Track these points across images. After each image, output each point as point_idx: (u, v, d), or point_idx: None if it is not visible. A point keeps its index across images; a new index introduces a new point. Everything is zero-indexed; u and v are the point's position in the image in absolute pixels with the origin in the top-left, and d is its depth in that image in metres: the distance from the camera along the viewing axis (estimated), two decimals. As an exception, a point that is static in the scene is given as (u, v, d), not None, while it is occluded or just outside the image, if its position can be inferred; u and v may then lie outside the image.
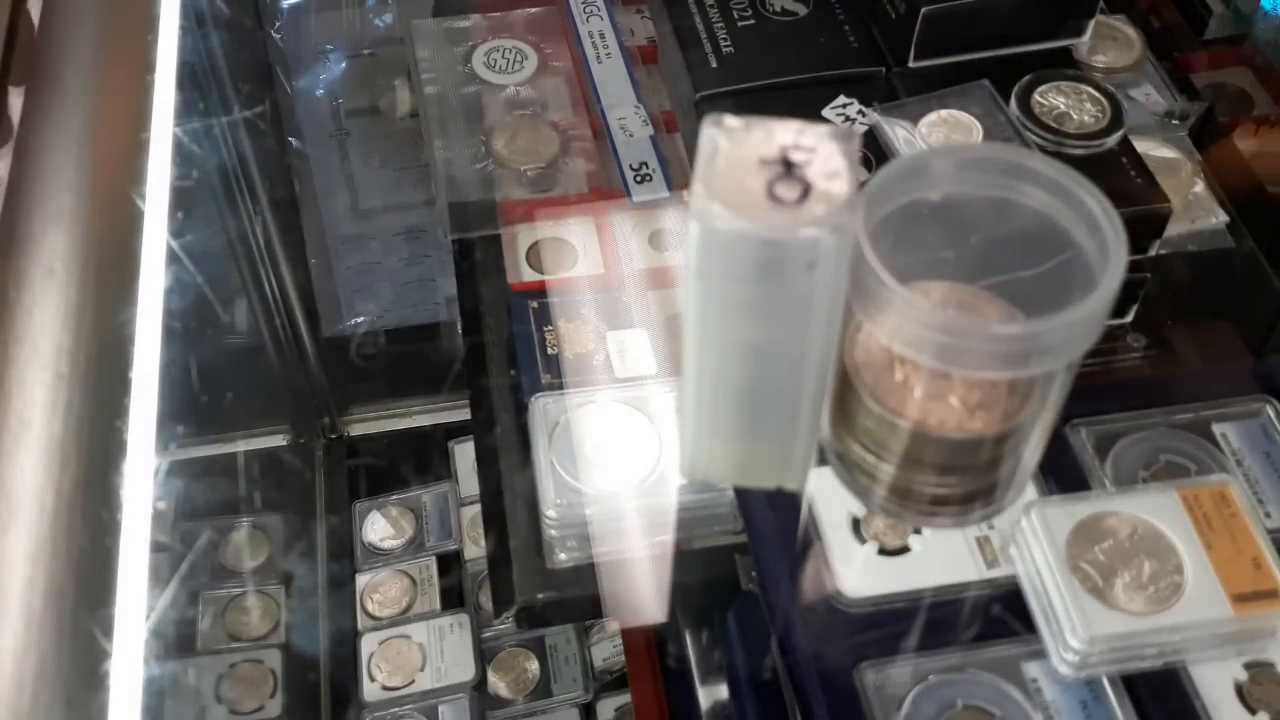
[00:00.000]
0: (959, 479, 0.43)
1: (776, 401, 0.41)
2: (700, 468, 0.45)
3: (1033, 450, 0.43)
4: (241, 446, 1.15)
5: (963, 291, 0.42)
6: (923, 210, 0.40)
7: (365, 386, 1.20)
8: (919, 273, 0.41)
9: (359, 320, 1.15)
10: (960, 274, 0.42)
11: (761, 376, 0.40)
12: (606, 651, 1.05)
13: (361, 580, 1.09)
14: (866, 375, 0.41)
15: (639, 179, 0.70)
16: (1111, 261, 0.37)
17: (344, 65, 1.02)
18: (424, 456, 1.17)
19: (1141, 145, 0.62)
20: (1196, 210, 0.66)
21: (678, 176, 0.70)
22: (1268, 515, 0.53)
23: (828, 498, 0.52)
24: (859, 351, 0.41)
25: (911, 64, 0.66)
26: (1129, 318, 0.63)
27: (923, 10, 0.63)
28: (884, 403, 0.40)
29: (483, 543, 0.99)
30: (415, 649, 1.04)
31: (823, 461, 0.45)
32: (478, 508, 0.82)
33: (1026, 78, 0.62)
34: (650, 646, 0.84)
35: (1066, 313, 0.36)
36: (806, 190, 0.34)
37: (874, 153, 0.62)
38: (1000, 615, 0.50)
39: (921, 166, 0.40)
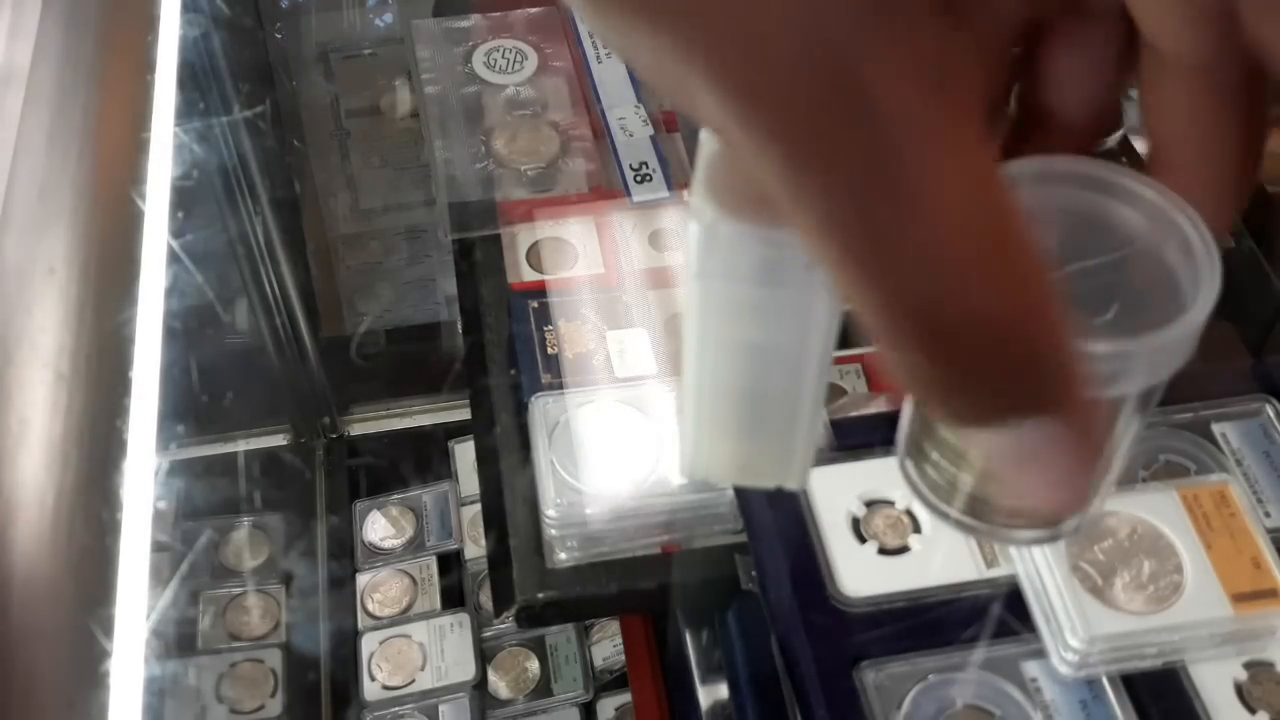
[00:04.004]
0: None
1: (777, 401, 0.41)
2: (700, 468, 0.45)
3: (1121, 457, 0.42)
4: (242, 446, 1.15)
5: None
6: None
7: (365, 386, 1.20)
8: None
9: (359, 320, 1.15)
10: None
11: (762, 376, 0.39)
12: (606, 651, 1.05)
13: (362, 580, 1.09)
14: None
15: (639, 179, 0.70)
16: (1205, 278, 0.34)
17: (344, 65, 1.02)
18: (424, 456, 1.17)
19: (1141, 145, 0.62)
20: (1196, 210, 0.65)
21: (677, 176, 0.70)
22: (1267, 515, 0.53)
23: (828, 498, 0.52)
24: None
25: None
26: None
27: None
28: None
29: (483, 542, 0.99)
30: (415, 648, 1.04)
31: (822, 461, 0.45)
32: (478, 507, 0.83)
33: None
34: (650, 646, 0.84)
35: (1161, 333, 0.35)
36: (806, 190, 0.34)
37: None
38: (1000, 615, 0.50)
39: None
